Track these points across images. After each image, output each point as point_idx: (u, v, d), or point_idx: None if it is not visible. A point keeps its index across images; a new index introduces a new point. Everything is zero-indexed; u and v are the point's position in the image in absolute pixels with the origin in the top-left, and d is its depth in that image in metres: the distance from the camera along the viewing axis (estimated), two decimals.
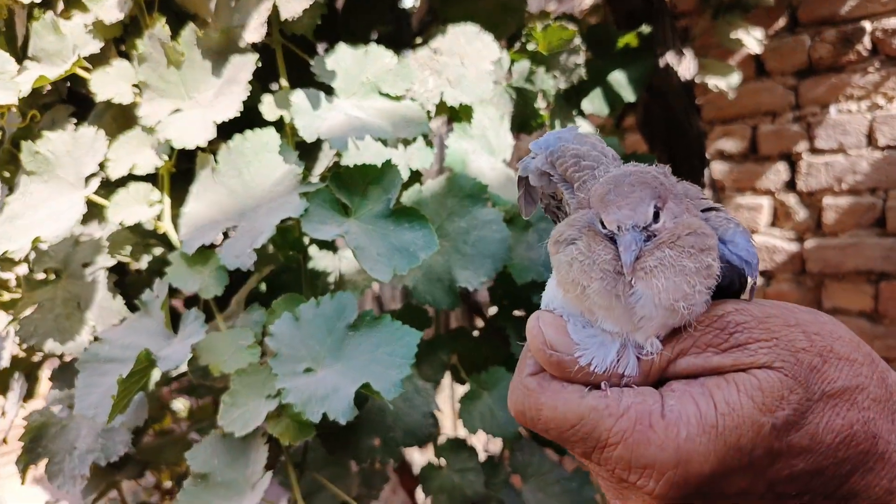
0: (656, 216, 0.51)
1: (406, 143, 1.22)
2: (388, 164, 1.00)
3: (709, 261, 0.50)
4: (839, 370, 0.50)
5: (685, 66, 2.02)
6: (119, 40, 1.22)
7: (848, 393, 0.49)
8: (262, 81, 1.13)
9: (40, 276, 1.24)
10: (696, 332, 0.50)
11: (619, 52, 1.34)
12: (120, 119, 1.17)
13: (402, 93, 1.06)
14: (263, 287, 1.27)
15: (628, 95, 1.33)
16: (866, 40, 2.30)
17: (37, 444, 1.20)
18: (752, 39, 2.34)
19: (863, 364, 0.51)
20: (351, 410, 0.87)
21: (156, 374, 1.16)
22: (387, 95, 1.06)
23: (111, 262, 1.19)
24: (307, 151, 1.17)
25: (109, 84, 1.12)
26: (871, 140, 2.30)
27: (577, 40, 1.24)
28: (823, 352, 0.50)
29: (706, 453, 0.47)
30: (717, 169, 2.63)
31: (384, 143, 1.03)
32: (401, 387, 0.92)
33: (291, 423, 0.90)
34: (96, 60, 1.16)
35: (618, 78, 1.32)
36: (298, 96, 1.03)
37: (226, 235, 1.13)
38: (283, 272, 1.28)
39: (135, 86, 1.13)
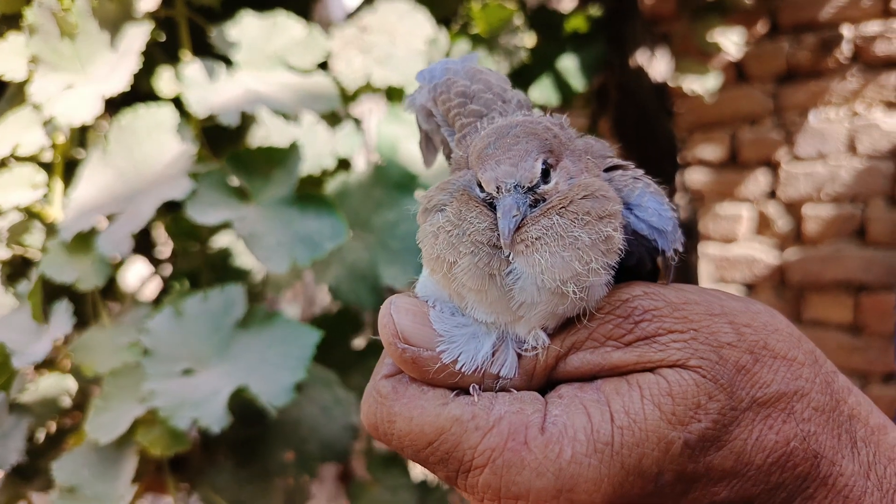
0: (546, 175, 0.41)
1: (332, 125, 1.12)
2: (294, 147, 0.90)
3: (608, 230, 0.39)
4: (774, 371, 0.39)
5: (657, 66, 1.94)
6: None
7: (784, 400, 0.38)
8: (169, 56, 1.03)
9: None
10: (592, 322, 0.39)
11: (567, 38, 1.25)
12: (17, 98, 1.06)
13: (310, 66, 0.97)
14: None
15: (577, 84, 1.23)
16: (846, 46, 2.25)
17: None
18: (729, 42, 2.28)
19: (803, 364, 0.39)
20: (224, 417, 0.77)
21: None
22: (294, 69, 0.96)
23: (6, 254, 1.09)
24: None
25: (1, 60, 1.02)
26: (851, 148, 2.23)
27: (519, 20, 1.15)
28: (755, 348, 0.39)
29: (597, 479, 0.36)
30: (696, 177, 2.56)
31: (285, 117, 0.93)
32: (292, 393, 0.81)
33: (164, 431, 0.80)
34: None
35: (567, 65, 1.23)
36: (193, 69, 0.93)
37: None
38: (208, 267, 1.17)
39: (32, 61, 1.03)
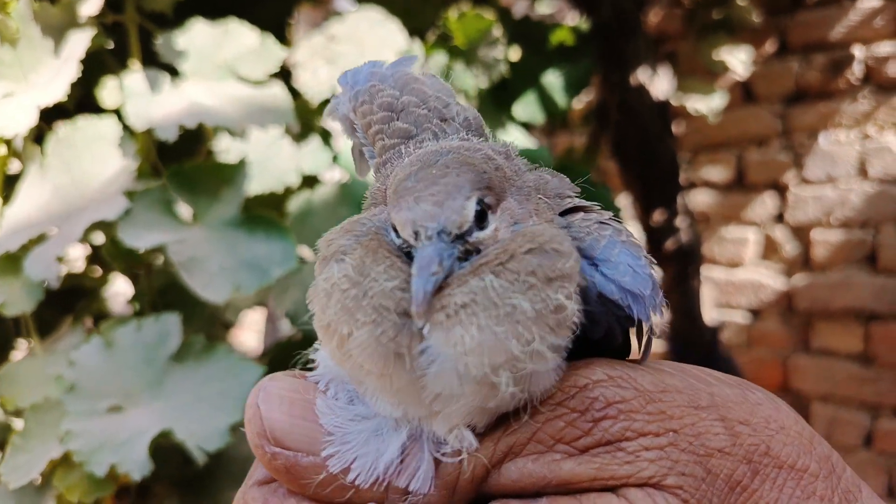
0: (481, 219, 0.31)
1: (297, 140, 1.05)
2: (242, 164, 0.83)
3: (559, 298, 0.29)
4: (779, 488, 0.29)
5: (659, 85, 1.89)
6: None
7: None
8: (120, 65, 0.97)
9: None
10: (536, 418, 0.30)
11: (553, 51, 1.18)
12: None
13: (262, 77, 0.90)
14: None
15: (562, 101, 1.16)
16: (857, 67, 2.19)
17: None
18: (736, 61, 2.23)
19: (817, 476, 0.30)
20: (146, 464, 0.69)
21: None
22: (246, 80, 0.89)
23: None
24: None
25: None
26: (861, 171, 2.17)
27: (498, 32, 1.08)
28: (754, 455, 0.29)
29: None
30: (702, 199, 2.51)
31: (230, 133, 0.86)
32: (228, 436, 0.74)
33: (83, 475, 0.72)
34: None
35: (551, 80, 1.16)
36: (135, 79, 0.86)
37: None
38: (170, 290, 1.10)
39: None
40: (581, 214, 0.34)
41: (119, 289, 1.31)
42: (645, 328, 0.33)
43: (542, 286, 0.29)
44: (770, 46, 2.43)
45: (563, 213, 0.35)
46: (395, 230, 0.31)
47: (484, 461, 0.30)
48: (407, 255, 0.31)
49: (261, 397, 0.31)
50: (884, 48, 2.16)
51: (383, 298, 0.29)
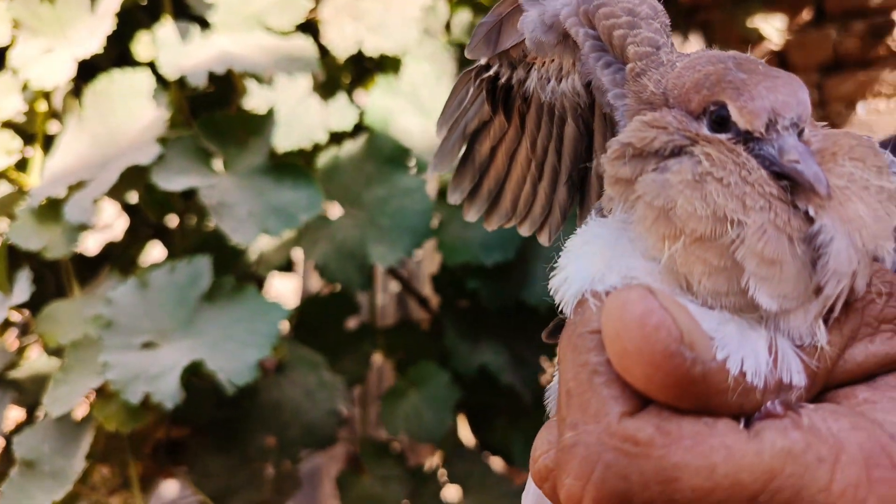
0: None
1: (325, 98, 1.07)
2: (270, 113, 0.85)
3: (893, 185, 0.30)
4: None
5: (689, 50, 1.87)
6: None
7: None
8: (153, 20, 1.00)
9: None
10: (856, 304, 0.29)
11: None
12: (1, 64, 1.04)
13: (289, 27, 0.92)
14: None
15: None
16: None
17: None
18: (771, 29, 2.19)
19: None
20: (178, 393, 0.72)
21: None
22: (273, 30, 0.91)
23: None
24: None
25: None
26: None
27: None
28: None
29: None
30: None
31: (258, 80, 0.89)
32: (256, 371, 0.76)
33: (120, 406, 0.76)
34: None
35: None
36: (166, 30, 0.89)
37: None
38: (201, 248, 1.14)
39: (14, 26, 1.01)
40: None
41: (154, 255, 1.36)
42: None
43: (883, 172, 0.30)
44: (807, 14, 2.37)
45: None
46: (718, 124, 0.30)
47: (837, 348, 0.29)
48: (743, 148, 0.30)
49: (651, 302, 0.27)
50: None
51: (767, 184, 0.29)
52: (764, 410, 0.27)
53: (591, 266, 0.31)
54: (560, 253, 0.33)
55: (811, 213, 0.28)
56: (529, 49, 0.41)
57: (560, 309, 0.32)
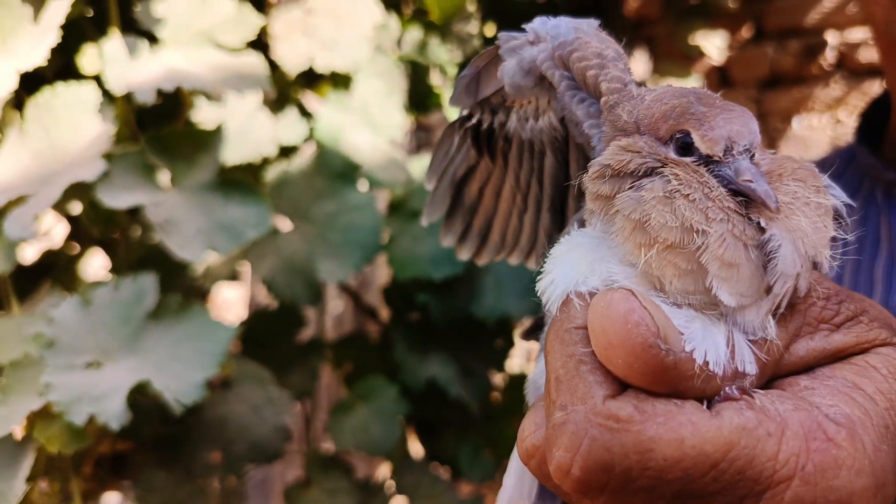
0: None
1: (275, 111, 1.07)
2: (219, 130, 0.85)
3: (829, 202, 0.36)
4: None
5: (635, 67, 1.91)
6: None
7: None
8: (99, 33, 0.98)
9: None
10: (799, 306, 0.35)
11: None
12: None
13: (240, 45, 0.92)
14: None
15: None
16: (830, 53, 2.22)
17: None
18: (711, 46, 2.26)
19: None
20: (124, 414, 0.72)
21: None
22: (223, 47, 0.91)
23: None
24: None
25: None
26: None
27: (472, 7, 1.10)
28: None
29: (892, 468, 0.32)
30: None
31: (207, 97, 0.88)
32: (203, 390, 0.76)
33: (62, 427, 0.75)
34: None
35: None
36: (114, 45, 0.88)
37: None
38: (145, 262, 1.12)
39: None
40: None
41: (95, 264, 1.33)
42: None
43: (822, 191, 0.36)
44: (746, 31, 2.45)
45: None
46: (685, 149, 0.36)
47: (784, 342, 0.35)
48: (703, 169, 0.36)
49: (632, 303, 0.32)
50: (856, 34, 2.18)
51: (725, 200, 0.34)
52: (723, 394, 0.32)
53: (574, 270, 0.36)
54: (545, 259, 0.39)
55: (762, 224, 0.34)
56: (509, 94, 0.46)
57: (545, 307, 0.38)
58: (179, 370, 0.77)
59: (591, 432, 0.31)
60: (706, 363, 0.32)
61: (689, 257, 0.33)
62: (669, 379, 0.32)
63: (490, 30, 1.23)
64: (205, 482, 1.13)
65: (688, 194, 0.34)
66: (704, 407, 0.32)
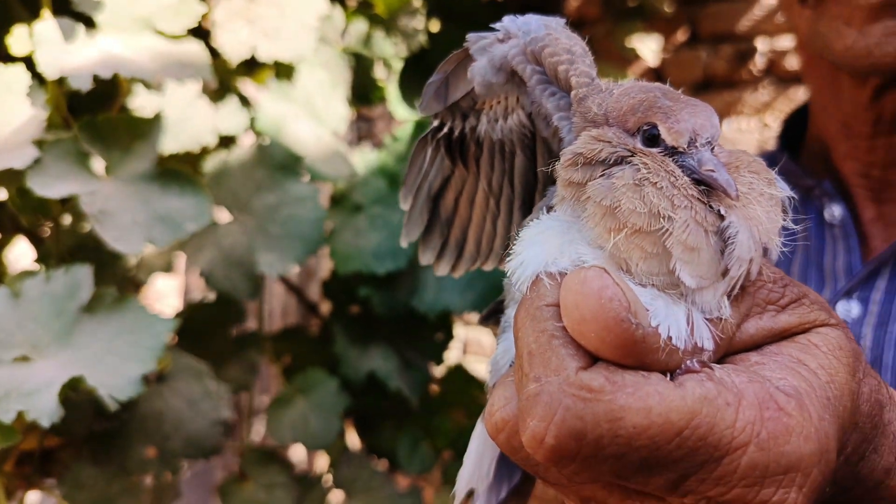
0: None
1: (215, 100, 1.05)
2: (157, 118, 0.83)
3: (780, 194, 0.39)
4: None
5: None
6: None
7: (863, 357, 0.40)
8: (31, 14, 0.94)
9: None
10: (750, 289, 0.38)
11: (472, 23, 1.21)
12: None
13: (180, 32, 0.89)
14: None
15: None
16: (759, 59, 2.30)
17: None
18: (646, 49, 2.30)
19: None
20: (56, 411, 0.70)
21: None
22: (163, 34, 0.89)
23: None
24: None
25: None
26: None
27: (418, 2, 1.10)
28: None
29: (833, 436, 0.35)
30: None
31: (147, 86, 0.86)
32: (140, 385, 0.75)
33: None
34: None
35: None
36: (46, 27, 0.84)
37: None
38: (77, 251, 1.08)
39: None
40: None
41: (20, 253, 1.28)
42: None
43: (773, 183, 0.39)
44: (681, 35, 2.50)
45: None
46: (649, 140, 0.38)
47: (737, 321, 0.37)
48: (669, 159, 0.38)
49: (607, 280, 0.34)
50: (784, 42, 2.26)
51: (689, 188, 0.36)
52: (685, 367, 0.35)
53: (544, 252, 0.38)
54: (514, 242, 0.41)
55: (722, 211, 0.36)
56: (479, 93, 0.48)
57: (515, 287, 0.39)
58: (115, 365, 0.75)
59: (565, 402, 0.33)
60: (669, 338, 0.35)
61: (655, 241, 0.36)
62: (638, 352, 0.34)
63: (435, 26, 1.23)
64: (138, 479, 1.10)
65: (655, 182, 0.36)
66: (668, 379, 0.34)
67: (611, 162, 0.38)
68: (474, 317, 2.87)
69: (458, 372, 1.38)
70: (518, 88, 0.47)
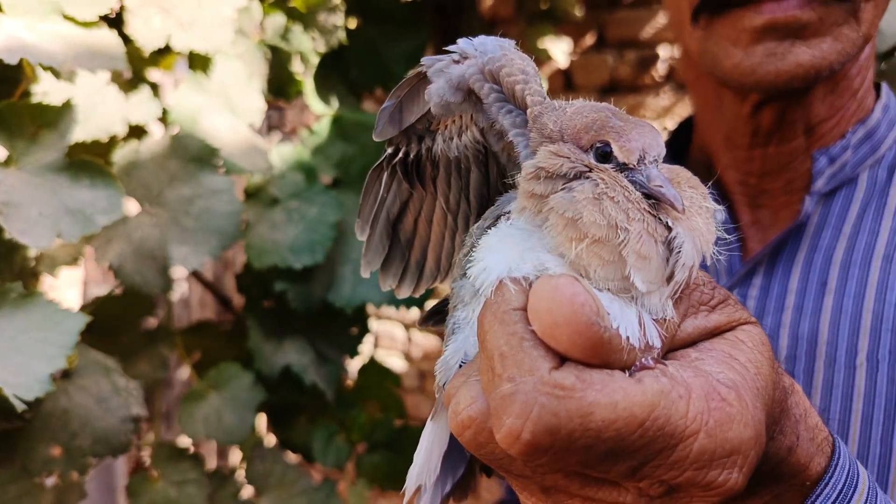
0: None
1: (126, 90, 1.02)
2: (68, 106, 0.80)
3: (714, 206, 0.43)
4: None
5: None
6: None
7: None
8: None
9: None
10: (685, 291, 0.42)
11: (390, 21, 1.23)
12: None
13: (92, 18, 0.87)
14: None
15: (399, 70, 1.22)
16: (661, 65, 2.40)
17: None
18: (557, 51, 2.37)
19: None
20: None
21: None
22: (73, 20, 0.86)
23: None
24: None
25: None
26: None
27: None
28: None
29: (765, 423, 0.39)
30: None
31: (56, 74, 0.83)
32: (49, 384, 0.72)
33: None
34: None
35: (387, 50, 1.21)
36: None
37: None
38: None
39: None
40: None
41: None
42: None
43: (707, 198, 0.43)
44: (590, 39, 2.58)
45: None
46: (601, 157, 0.41)
47: (678, 321, 0.41)
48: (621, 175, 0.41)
49: (575, 286, 0.37)
50: None
51: (642, 202, 0.40)
52: (640, 364, 0.39)
53: (506, 258, 0.42)
54: (474, 249, 0.44)
55: (669, 223, 0.41)
56: (436, 114, 0.50)
57: (478, 291, 0.42)
58: (21, 363, 0.72)
59: (541, 400, 0.36)
60: (627, 338, 0.38)
61: (612, 250, 0.40)
62: (604, 352, 0.37)
63: (353, 23, 1.24)
64: (41, 479, 1.06)
65: (612, 196, 0.40)
66: (628, 376, 0.38)
67: (570, 176, 0.41)
68: (386, 310, 2.88)
69: (373, 365, 1.40)
70: (473, 106, 0.49)
